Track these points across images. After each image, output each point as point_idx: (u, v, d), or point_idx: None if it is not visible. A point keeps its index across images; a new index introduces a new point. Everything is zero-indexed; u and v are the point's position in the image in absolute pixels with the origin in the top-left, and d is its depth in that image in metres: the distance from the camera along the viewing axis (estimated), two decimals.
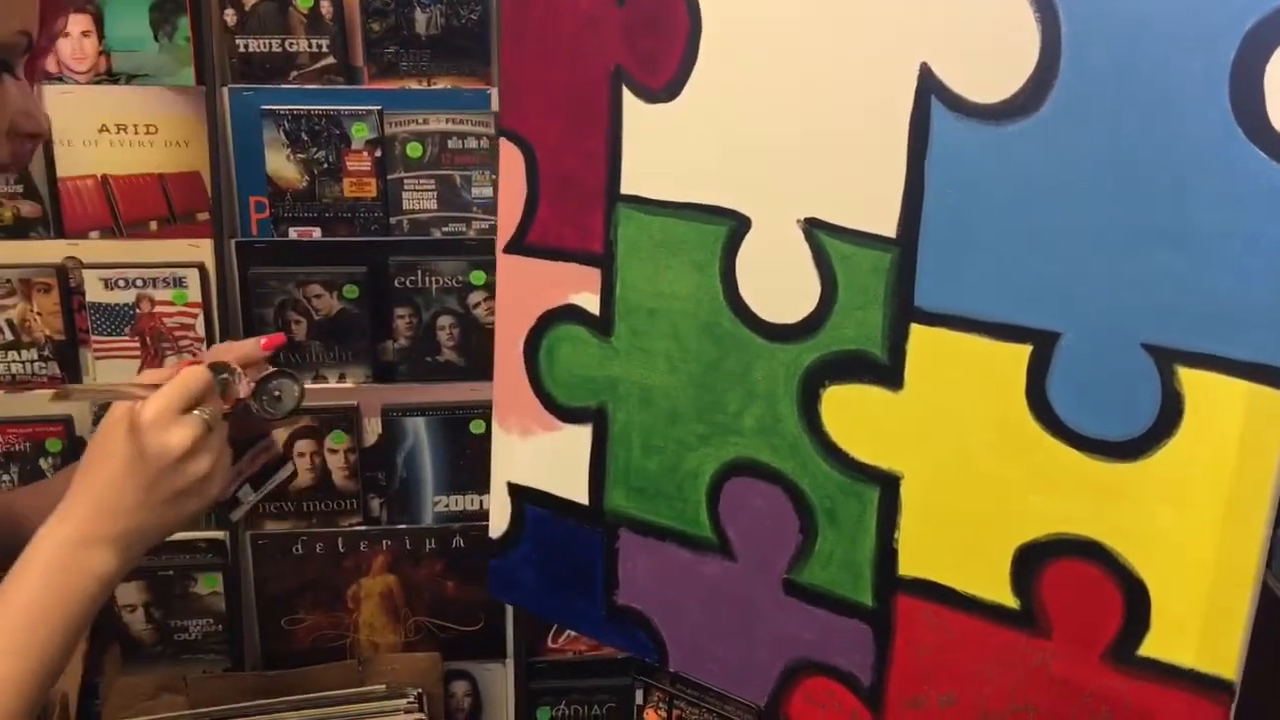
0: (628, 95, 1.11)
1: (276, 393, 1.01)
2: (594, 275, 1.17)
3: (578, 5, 1.12)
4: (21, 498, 1.03)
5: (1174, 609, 0.92)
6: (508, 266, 1.23)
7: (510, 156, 1.20)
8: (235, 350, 1.01)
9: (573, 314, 1.19)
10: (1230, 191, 0.84)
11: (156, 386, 0.89)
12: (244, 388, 0.97)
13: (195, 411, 0.89)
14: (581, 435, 1.21)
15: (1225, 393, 0.87)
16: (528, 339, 1.23)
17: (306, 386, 1.04)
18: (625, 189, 1.13)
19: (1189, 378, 0.88)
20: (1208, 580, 0.90)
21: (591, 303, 1.18)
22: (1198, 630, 0.91)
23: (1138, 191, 0.88)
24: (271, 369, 1.02)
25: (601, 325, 1.18)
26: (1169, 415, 0.89)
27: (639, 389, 1.16)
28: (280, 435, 1.38)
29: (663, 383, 1.15)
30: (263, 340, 1.03)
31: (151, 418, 0.86)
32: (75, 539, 0.84)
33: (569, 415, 1.22)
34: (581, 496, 1.23)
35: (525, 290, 1.22)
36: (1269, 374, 0.85)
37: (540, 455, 1.24)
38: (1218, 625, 0.90)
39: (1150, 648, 0.94)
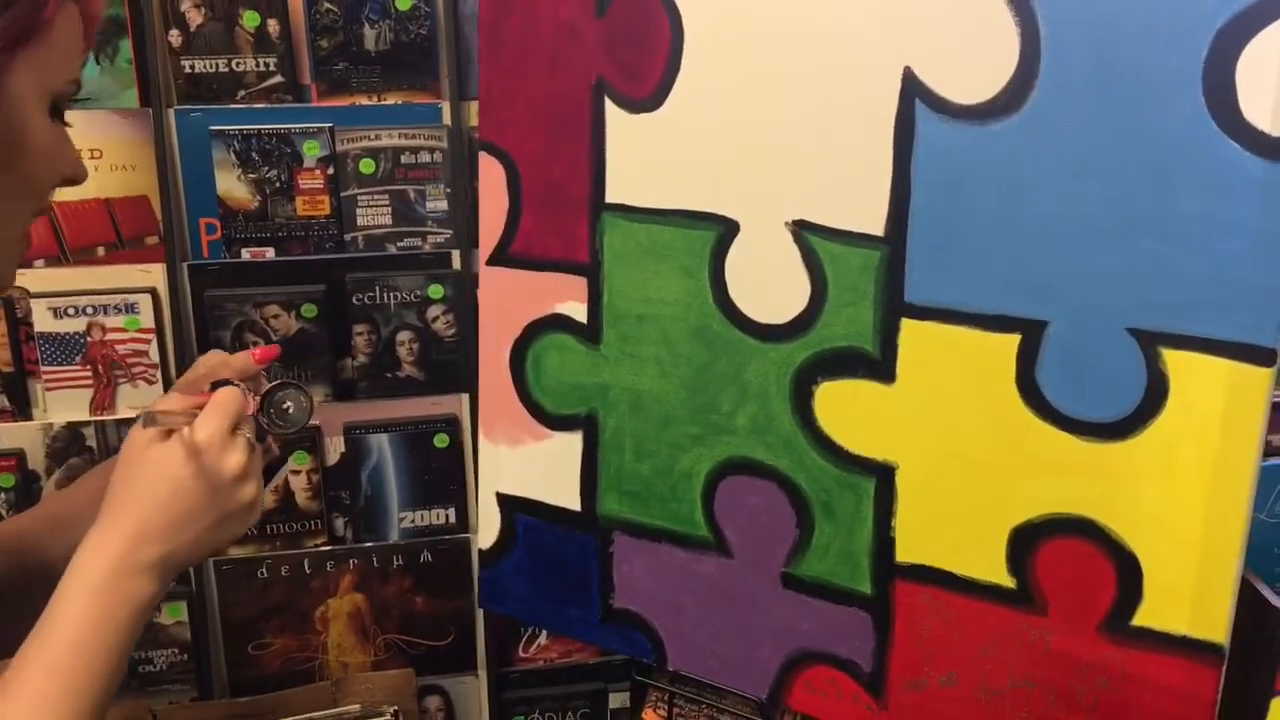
0: (610, 106, 1.13)
1: (285, 405, 0.97)
2: (580, 284, 1.18)
3: (557, 17, 1.14)
4: (32, 524, 0.98)
5: (1165, 579, 0.97)
6: (491, 279, 1.24)
7: (490, 169, 1.21)
8: (232, 364, 0.97)
9: (560, 323, 1.21)
10: (1207, 181, 0.89)
11: (192, 413, 0.87)
12: (250, 403, 0.94)
13: (239, 432, 0.87)
14: (572, 442, 1.23)
15: (1208, 371, 0.92)
16: (513, 350, 1.24)
17: None
18: (610, 198, 1.15)
19: (1173, 358, 0.93)
20: (1196, 550, 0.95)
21: (579, 311, 1.19)
22: (1188, 598, 0.96)
23: (1118, 184, 0.93)
24: (271, 382, 0.99)
25: (589, 333, 1.19)
26: (1155, 395, 0.94)
27: (630, 394, 1.18)
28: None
29: (654, 387, 1.17)
30: (255, 352, 0.99)
31: (207, 439, 0.84)
32: (118, 567, 0.81)
33: (558, 423, 1.23)
34: (574, 503, 1.24)
35: (510, 301, 1.23)
36: (1249, 352, 0.90)
37: (530, 464, 1.25)
38: (1207, 593, 0.95)
39: (1143, 617, 0.98)
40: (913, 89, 0.99)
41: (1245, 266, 0.89)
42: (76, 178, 0.84)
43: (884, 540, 1.08)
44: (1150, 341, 0.93)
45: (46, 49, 0.78)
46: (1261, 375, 0.89)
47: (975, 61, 0.96)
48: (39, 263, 1.53)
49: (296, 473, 1.60)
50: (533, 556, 1.27)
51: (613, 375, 1.19)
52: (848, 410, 1.08)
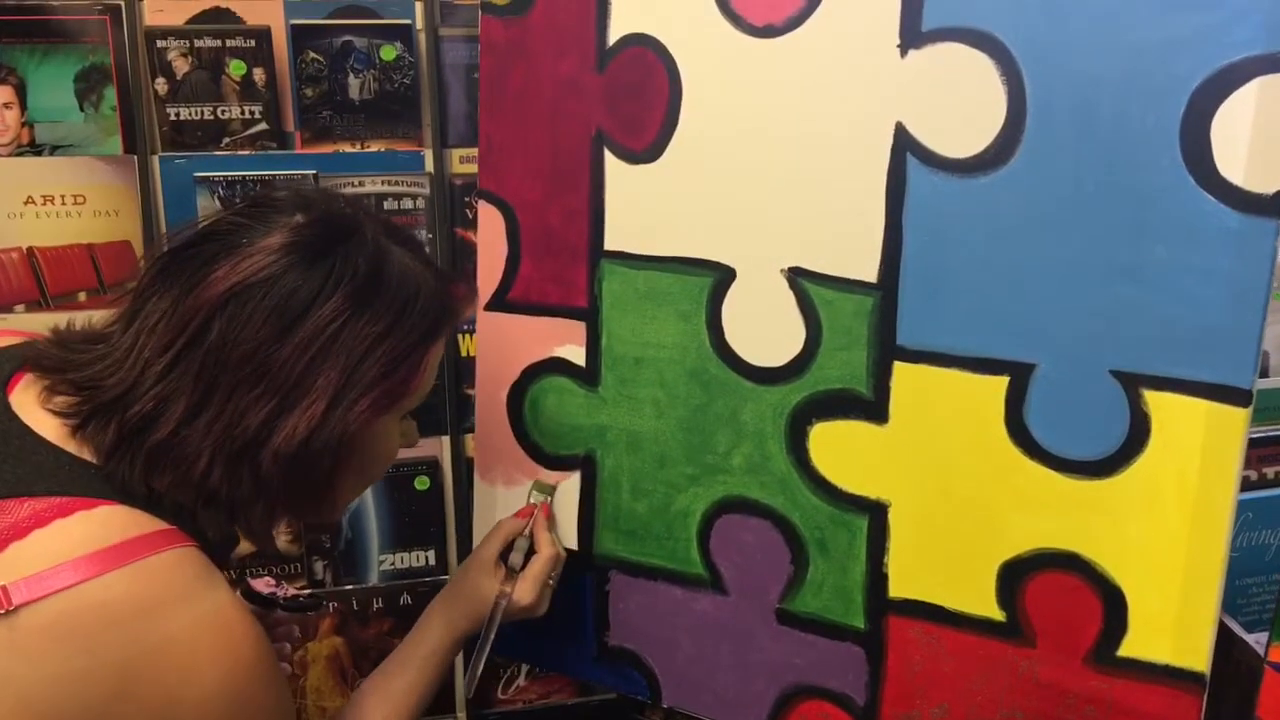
0: (609, 157, 1.17)
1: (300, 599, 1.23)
2: (579, 328, 1.21)
3: (558, 73, 1.17)
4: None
5: (1149, 611, 1.01)
6: (489, 324, 1.26)
7: (489, 217, 1.24)
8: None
9: (558, 366, 1.23)
10: (1184, 232, 0.94)
11: None
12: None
13: (550, 584, 1.22)
14: (569, 483, 1.25)
15: (1187, 412, 0.96)
16: (511, 392, 1.26)
17: None
18: (609, 245, 1.19)
19: (1154, 400, 0.98)
20: (1178, 583, 0.99)
21: (577, 354, 1.22)
22: (1171, 629, 1.00)
23: (1101, 234, 0.97)
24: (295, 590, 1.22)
25: (588, 376, 1.22)
26: (1137, 435, 0.99)
27: (627, 435, 1.21)
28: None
29: (651, 428, 1.20)
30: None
31: (534, 603, 1.20)
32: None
33: (556, 464, 1.26)
34: (570, 542, 1.27)
35: (507, 345, 1.25)
36: (1226, 393, 0.95)
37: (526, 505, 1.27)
38: (1189, 623, 0.99)
39: (1129, 648, 1.02)
40: (904, 143, 1.04)
41: (1222, 312, 0.94)
42: (410, 445, 1.05)
43: (877, 576, 1.12)
44: (1132, 383, 0.98)
45: (415, 394, 0.95)
46: (1238, 415, 0.94)
47: (964, 118, 1.01)
48: (19, 308, 1.53)
49: None
50: None
51: (610, 417, 1.22)
52: (842, 450, 1.11)
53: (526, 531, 1.23)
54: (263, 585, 1.21)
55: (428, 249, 1.57)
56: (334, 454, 0.89)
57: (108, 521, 0.82)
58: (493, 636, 1.17)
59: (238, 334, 0.85)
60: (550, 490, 1.27)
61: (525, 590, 1.18)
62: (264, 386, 0.85)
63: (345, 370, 0.87)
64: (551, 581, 1.21)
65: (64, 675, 0.78)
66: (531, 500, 1.27)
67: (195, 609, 0.83)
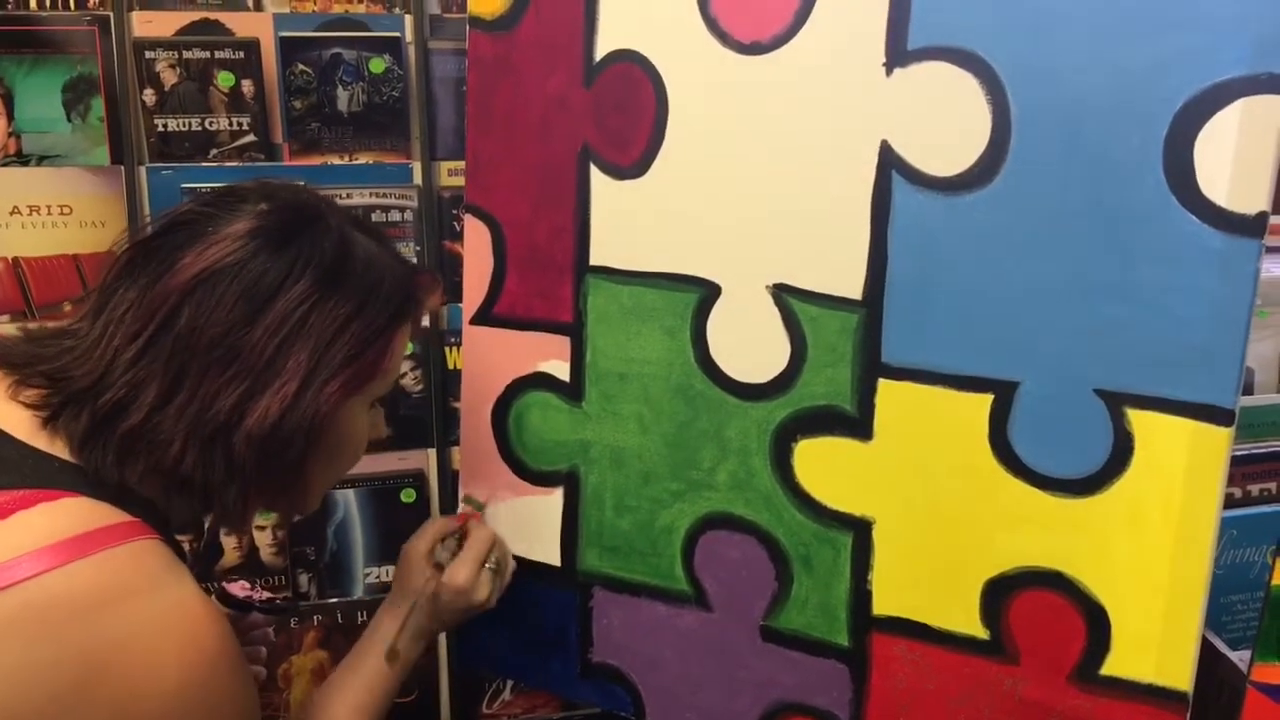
0: (595, 172, 1.17)
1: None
2: (564, 343, 1.21)
3: (545, 87, 1.17)
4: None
5: (1132, 630, 1.01)
6: (474, 338, 1.26)
7: (476, 232, 1.24)
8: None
9: (543, 381, 1.23)
10: (1168, 251, 0.94)
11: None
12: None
13: (486, 566, 1.20)
14: (553, 498, 1.25)
15: (1171, 431, 0.97)
16: (495, 407, 1.26)
17: None
18: (594, 260, 1.18)
19: (1138, 418, 0.98)
20: (1161, 602, 0.99)
21: (562, 370, 1.22)
22: (1154, 648, 1.00)
23: (1085, 253, 0.98)
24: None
25: (572, 391, 1.22)
26: (1121, 453, 0.99)
27: (611, 451, 1.21)
28: None
29: (635, 444, 1.20)
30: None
31: (467, 581, 1.18)
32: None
33: (540, 479, 1.26)
34: (554, 558, 1.26)
35: (493, 360, 1.25)
36: (1209, 412, 0.95)
37: (510, 520, 1.27)
38: (1172, 642, 1.00)
39: (1112, 667, 1.02)
40: (889, 161, 1.04)
41: (1205, 332, 0.94)
42: (377, 438, 1.05)
43: (861, 593, 1.12)
44: (1116, 402, 0.98)
45: (384, 376, 0.97)
46: (1221, 435, 0.94)
47: (949, 136, 1.01)
48: (3, 318, 1.52)
49: (262, 528, 1.60)
50: (512, 611, 1.29)
51: (595, 432, 1.22)
52: (826, 467, 1.11)
53: (457, 532, 1.23)
54: (238, 589, 1.22)
55: (415, 261, 1.57)
56: (306, 436, 0.89)
57: (71, 513, 0.83)
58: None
59: (207, 318, 0.86)
60: (480, 507, 1.29)
61: (459, 571, 1.18)
62: (235, 369, 0.86)
63: (315, 351, 0.88)
64: (490, 565, 1.20)
65: (28, 665, 0.77)
66: (464, 510, 1.29)
67: (159, 601, 0.83)
